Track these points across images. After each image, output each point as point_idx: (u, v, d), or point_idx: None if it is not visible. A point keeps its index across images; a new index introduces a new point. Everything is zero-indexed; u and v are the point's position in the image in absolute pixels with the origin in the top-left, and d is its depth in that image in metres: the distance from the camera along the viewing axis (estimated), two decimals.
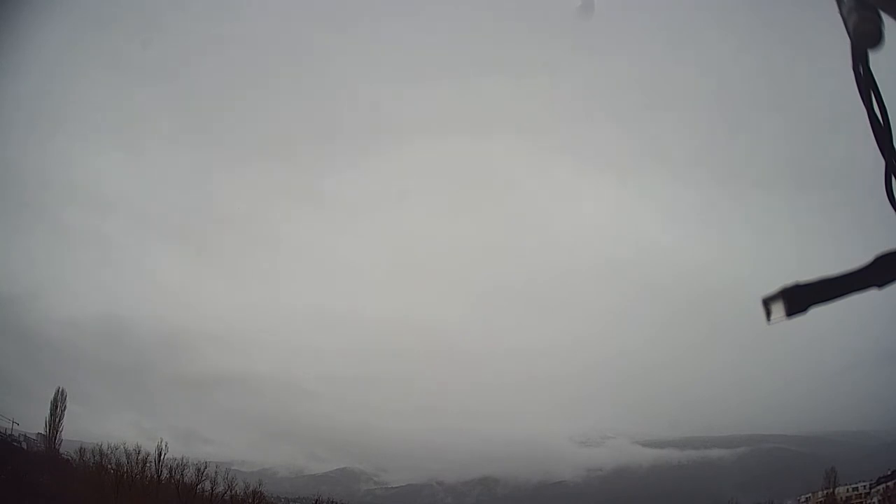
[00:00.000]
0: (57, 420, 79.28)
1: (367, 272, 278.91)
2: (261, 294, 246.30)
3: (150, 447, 75.90)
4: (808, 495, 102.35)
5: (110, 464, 72.74)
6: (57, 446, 78.75)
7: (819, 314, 2.36)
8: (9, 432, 77.04)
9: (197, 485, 78.83)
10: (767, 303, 2.27)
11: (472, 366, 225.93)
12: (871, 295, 2.31)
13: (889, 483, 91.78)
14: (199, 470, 79.53)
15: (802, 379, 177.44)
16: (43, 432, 79.79)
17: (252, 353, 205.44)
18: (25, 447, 78.57)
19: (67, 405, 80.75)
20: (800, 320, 2.33)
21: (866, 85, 2.45)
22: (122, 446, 74.03)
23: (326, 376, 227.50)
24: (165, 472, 76.06)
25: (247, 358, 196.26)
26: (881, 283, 2.26)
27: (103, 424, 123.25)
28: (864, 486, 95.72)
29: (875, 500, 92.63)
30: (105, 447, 74.35)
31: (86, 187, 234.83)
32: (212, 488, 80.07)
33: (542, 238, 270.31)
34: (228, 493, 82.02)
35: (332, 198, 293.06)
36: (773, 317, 2.27)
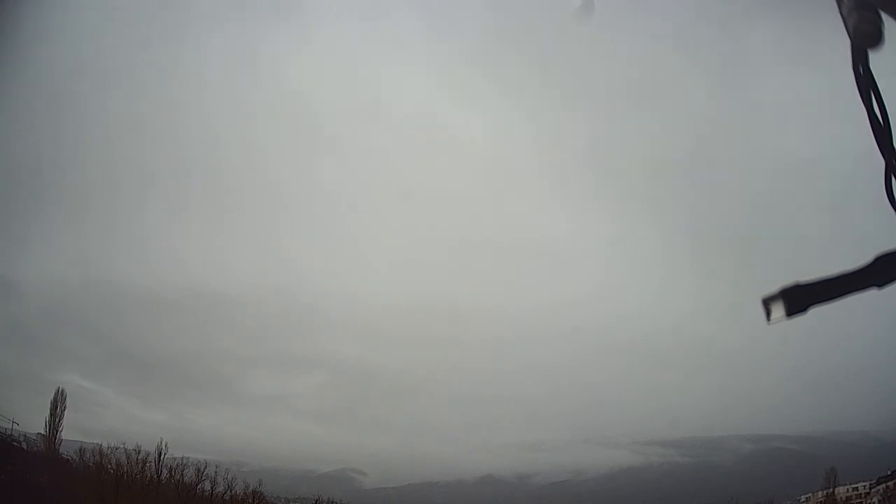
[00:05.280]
0: (57, 420, 79.39)
1: (372, 259, 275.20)
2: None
3: (149, 447, 76.06)
4: (808, 495, 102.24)
5: (110, 464, 72.79)
6: (57, 446, 78.81)
7: (819, 314, 2.36)
8: (9, 432, 77.09)
9: (197, 485, 78.91)
10: (767, 303, 2.28)
11: (473, 364, 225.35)
12: (871, 295, 2.31)
13: (889, 483, 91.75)
14: (199, 470, 79.66)
15: (802, 379, 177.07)
16: (43, 432, 79.88)
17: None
18: (25, 447, 78.61)
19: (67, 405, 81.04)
20: (800, 320, 2.33)
21: (866, 85, 2.45)
22: (121, 446, 74.22)
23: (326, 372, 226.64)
24: (165, 472, 76.19)
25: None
26: (881, 283, 2.27)
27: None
28: (864, 486, 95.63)
29: (875, 500, 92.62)
30: (105, 447, 74.60)
31: None
32: (212, 488, 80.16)
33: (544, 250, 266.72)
34: (228, 493, 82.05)
35: None
36: (773, 317, 2.27)
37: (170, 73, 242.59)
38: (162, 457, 75.70)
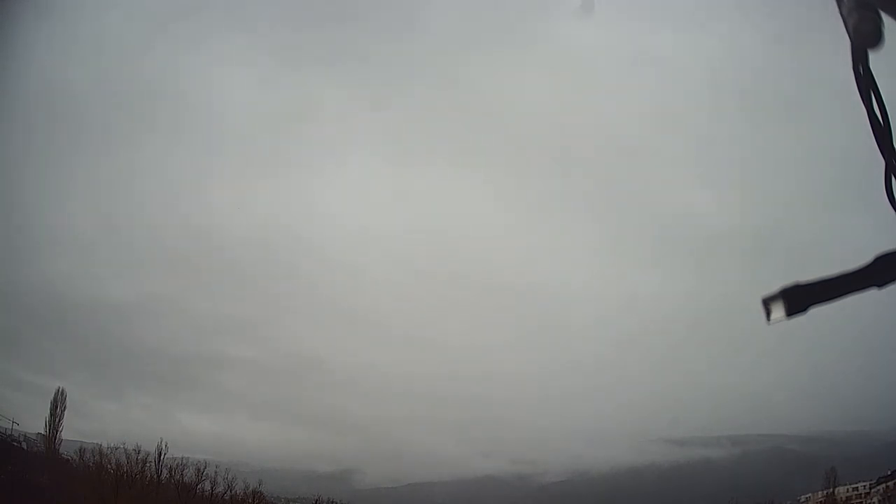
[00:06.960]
0: (57, 420, 79.36)
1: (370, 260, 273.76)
2: None
3: (149, 447, 76.03)
4: (808, 495, 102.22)
5: (110, 464, 72.79)
6: (57, 446, 78.79)
7: (819, 314, 2.35)
8: (9, 432, 77.11)
9: (197, 485, 78.94)
10: (767, 303, 2.27)
11: (474, 365, 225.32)
12: (871, 295, 2.31)
13: (889, 483, 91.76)
14: (199, 470, 79.68)
15: (802, 378, 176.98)
16: (43, 432, 79.87)
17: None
18: (25, 447, 78.64)
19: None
20: (800, 320, 2.33)
21: (866, 85, 2.45)
22: (121, 446, 74.19)
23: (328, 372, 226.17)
24: (165, 472, 76.21)
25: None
26: (881, 283, 2.26)
27: None
28: (864, 486, 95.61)
29: (875, 500, 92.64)
30: (105, 447, 74.58)
31: None
32: (212, 488, 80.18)
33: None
34: (228, 493, 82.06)
35: None
36: (772, 317, 2.26)
37: None
38: (162, 457, 75.84)
